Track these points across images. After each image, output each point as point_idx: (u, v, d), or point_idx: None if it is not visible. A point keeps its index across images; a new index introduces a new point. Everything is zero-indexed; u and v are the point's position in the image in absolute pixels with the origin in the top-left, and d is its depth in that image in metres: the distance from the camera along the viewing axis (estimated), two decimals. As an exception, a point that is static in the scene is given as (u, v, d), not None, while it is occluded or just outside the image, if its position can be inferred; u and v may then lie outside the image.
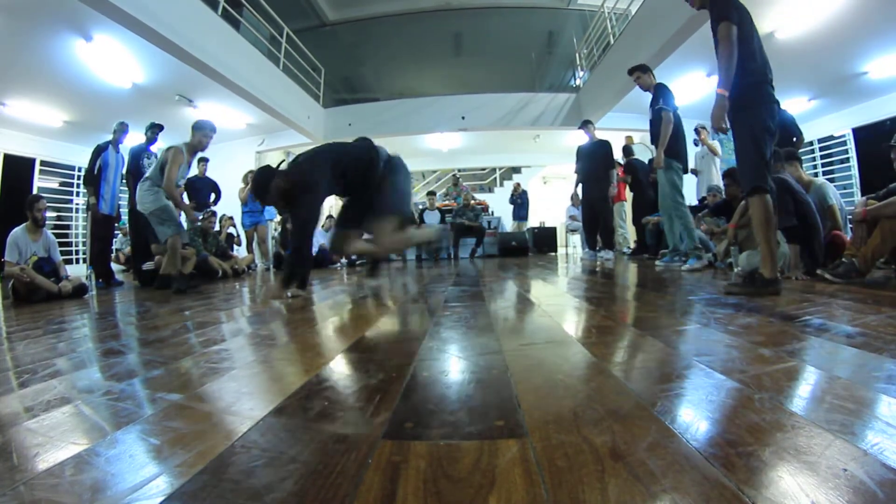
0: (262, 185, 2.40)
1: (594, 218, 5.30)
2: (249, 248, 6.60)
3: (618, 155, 6.24)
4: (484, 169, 12.39)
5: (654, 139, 3.81)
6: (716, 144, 5.83)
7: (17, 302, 3.10)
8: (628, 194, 6.63)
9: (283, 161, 2.59)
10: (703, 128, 5.87)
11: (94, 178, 4.50)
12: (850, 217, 2.99)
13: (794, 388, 0.81)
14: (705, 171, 5.80)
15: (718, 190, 4.39)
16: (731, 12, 1.98)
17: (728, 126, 2.03)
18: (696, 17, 4.39)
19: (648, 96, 3.98)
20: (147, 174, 3.52)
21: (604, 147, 5.21)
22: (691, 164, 5.98)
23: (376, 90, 10.42)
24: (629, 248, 6.76)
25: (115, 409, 0.83)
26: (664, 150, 3.71)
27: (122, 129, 4.67)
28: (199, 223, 5.12)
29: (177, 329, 1.74)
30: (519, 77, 9.92)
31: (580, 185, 5.37)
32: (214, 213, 5.65)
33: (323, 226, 7.10)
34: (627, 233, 7.04)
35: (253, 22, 6.87)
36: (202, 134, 3.47)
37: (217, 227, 5.72)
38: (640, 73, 3.98)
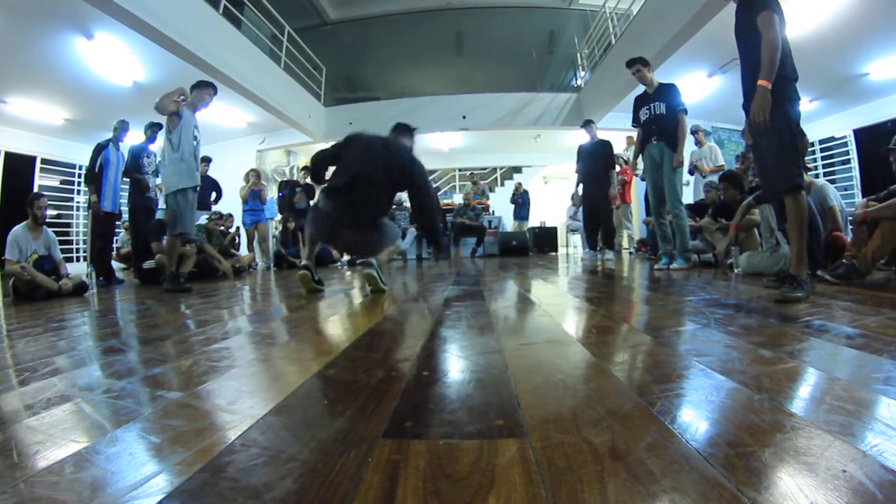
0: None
1: (595, 218, 5.30)
2: (250, 247, 6.60)
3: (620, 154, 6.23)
4: (485, 168, 12.39)
5: (663, 134, 3.65)
6: (709, 148, 5.80)
7: (17, 300, 3.10)
8: (635, 195, 6.61)
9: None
10: (700, 130, 5.86)
11: (95, 177, 4.51)
12: (851, 218, 2.99)
13: (793, 389, 0.81)
14: (697, 172, 5.80)
15: (714, 185, 4.35)
16: (774, 3, 1.95)
17: (767, 121, 1.92)
18: (697, 18, 4.39)
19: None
20: (160, 158, 3.52)
21: (605, 147, 5.21)
22: (687, 165, 5.98)
23: (377, 89, 10.41)
24: (635, 248, 6.77)
25: (115, 407, 0.83)
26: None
27: (122, 127, 4.69)
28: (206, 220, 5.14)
29: (177, 327, 1.74)
30: (520, 77, 9.91)
31: (581, 184, 5.37)
32: (221, 216, 5.65)
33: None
34: (633, 233, 7.03)
35: (254, 20, 6.87)
36: (206, 92, 3.51)
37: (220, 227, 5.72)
38: (640, 66, 3.72)
